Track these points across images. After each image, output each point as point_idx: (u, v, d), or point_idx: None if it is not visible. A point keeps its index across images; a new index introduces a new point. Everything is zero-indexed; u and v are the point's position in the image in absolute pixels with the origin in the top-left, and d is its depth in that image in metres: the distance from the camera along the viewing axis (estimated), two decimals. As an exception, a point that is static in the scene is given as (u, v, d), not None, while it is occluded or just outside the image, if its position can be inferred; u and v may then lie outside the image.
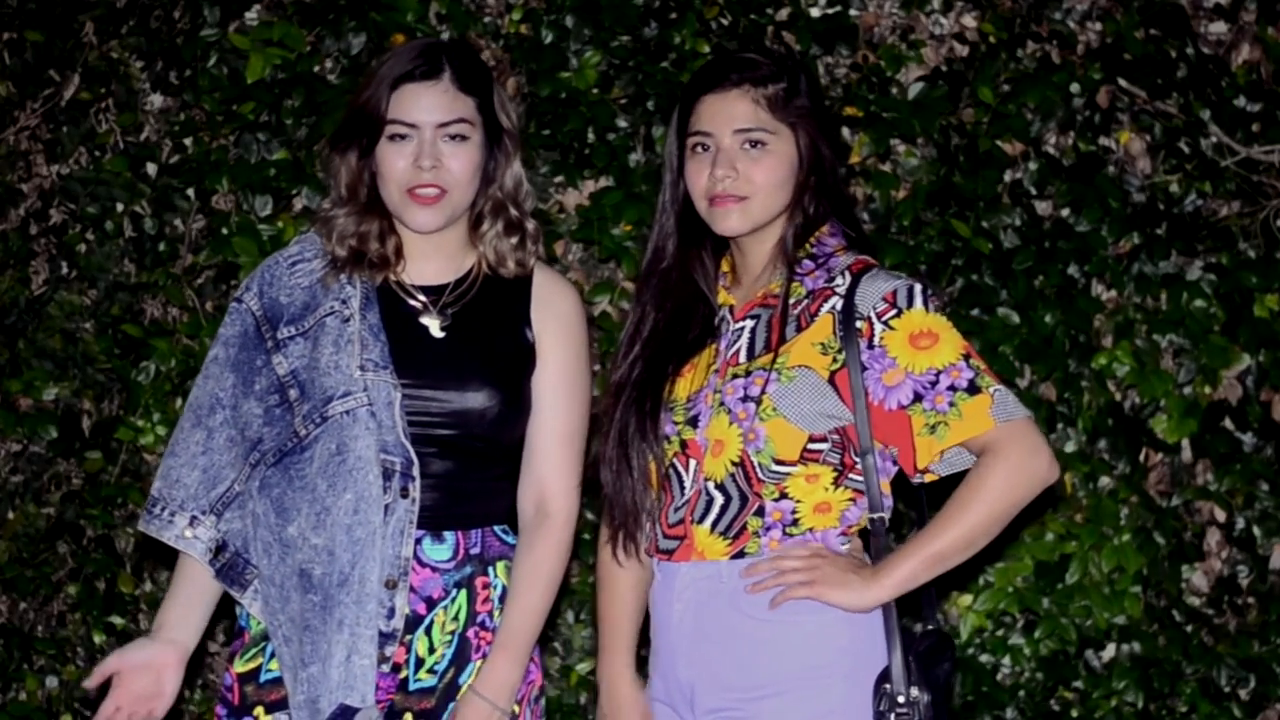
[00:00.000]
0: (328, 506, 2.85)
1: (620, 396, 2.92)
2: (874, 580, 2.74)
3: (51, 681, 4.30)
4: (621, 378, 2.94)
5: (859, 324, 2.77)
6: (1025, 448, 2.74)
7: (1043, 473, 2.76)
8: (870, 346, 2.77)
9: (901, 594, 2.76)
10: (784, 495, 2.80)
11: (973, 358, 2.77)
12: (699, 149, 2.87)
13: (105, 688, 2.96)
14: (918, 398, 2.75)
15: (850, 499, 2.81)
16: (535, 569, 2.94)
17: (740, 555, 2.81)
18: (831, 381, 2.79)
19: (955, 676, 2.70)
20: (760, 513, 2.81)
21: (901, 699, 2.72)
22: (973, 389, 2.74)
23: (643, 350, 2.93)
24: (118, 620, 4.27)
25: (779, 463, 2.79)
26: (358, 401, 2.87)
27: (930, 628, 2.86)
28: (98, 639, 4.27)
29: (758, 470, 2.80)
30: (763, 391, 2.79)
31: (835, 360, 2.79)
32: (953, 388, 2.74)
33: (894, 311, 2.77)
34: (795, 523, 2.80)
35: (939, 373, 2.74)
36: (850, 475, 2.80)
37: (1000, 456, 2.73)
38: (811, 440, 2.79)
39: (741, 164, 2.83)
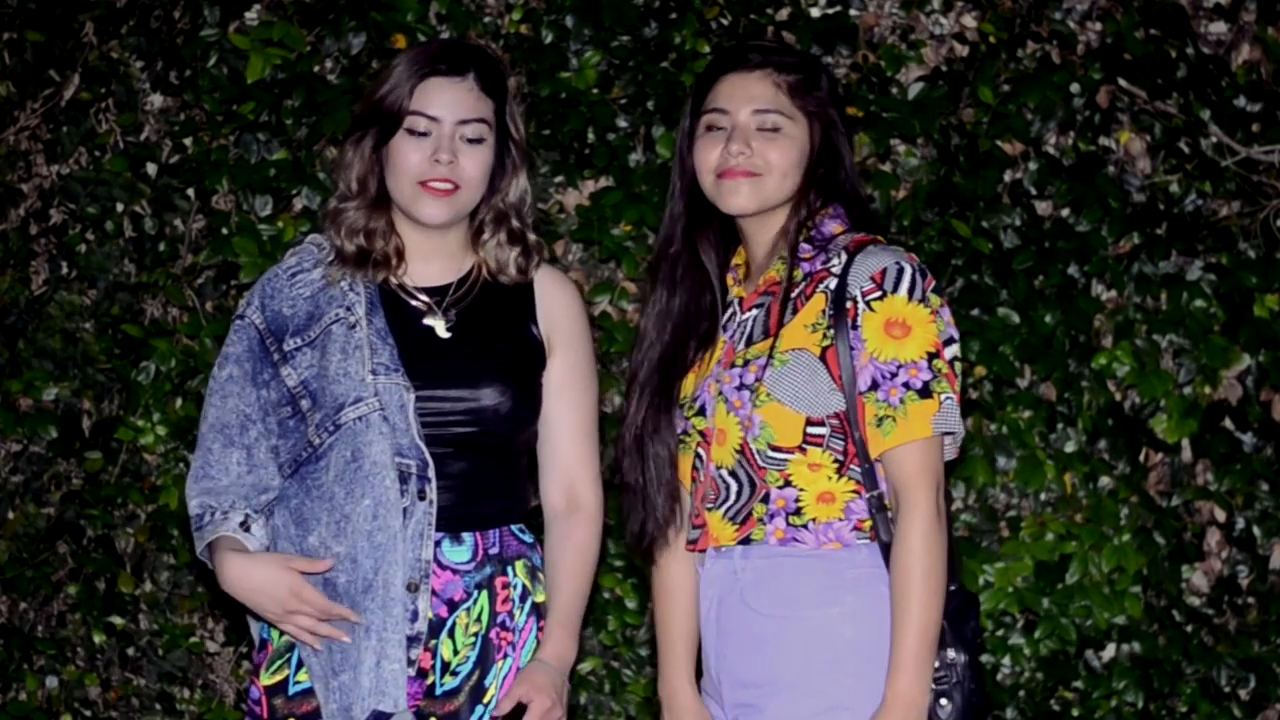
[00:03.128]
0: (347, 514, 2.85)
1: (636, 394, 2.93)
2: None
3: (51, 681, 4.30)
4: (637, 373, 2.94)
5: (848, 304, 2.77)
6: (933, 510, 2.73)
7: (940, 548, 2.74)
8: (854, 327, 2.77)
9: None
10: (788, 483, 2.79)
11: (938, 358, 2.76)
12: (713, 128, 2.86)
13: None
14: (874, 385, 2.75)
15: (854, 490, 2.79)
16: (579, 551, 2.96)
17: (747, 541, 2.81)
18: (823, 358, 2.78)
19: (981, 634, 2.69)
20: (766, 499, 2.80)
21: (938, 661, 2.72)
22: (925, 392, 2.74)
23: (659, 343, 2.93)
24: (118, 620, 4.27)
25: (776, 449, 2.78)
26: (369, 407, 2.87)
27: (954, 588, 2.81)
28: (98, 639, 4.27)
29: (757, 457, 2.80)
30: (757, 379, 2.79)
31: (825, 337, 2.78)
32: (907, 385, 2.74)
33: (878, 294, 2.76)
34: (798, 512, 2.79)
35: (900, 366, 2.74)
36: (852, 466, 2.79)
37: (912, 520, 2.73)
38: (810, 424, 2.78)
39: (756, 143, 2.82)
